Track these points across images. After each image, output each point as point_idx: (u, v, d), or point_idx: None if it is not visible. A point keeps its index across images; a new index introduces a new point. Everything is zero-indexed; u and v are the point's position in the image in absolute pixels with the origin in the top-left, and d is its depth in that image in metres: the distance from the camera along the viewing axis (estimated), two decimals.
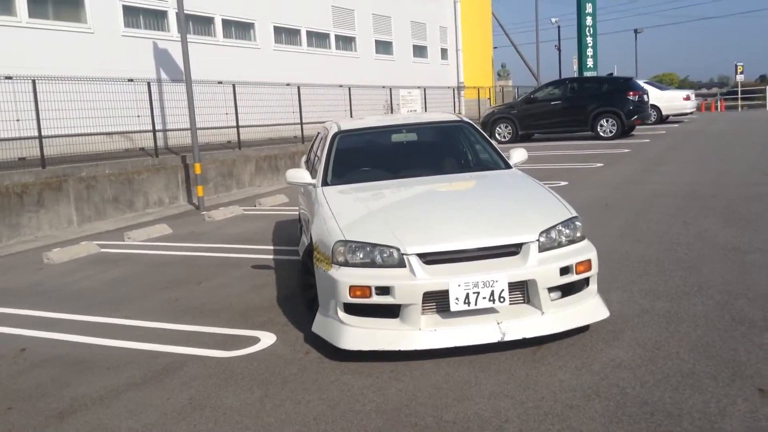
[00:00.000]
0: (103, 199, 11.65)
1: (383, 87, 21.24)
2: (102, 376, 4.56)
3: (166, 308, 6.01)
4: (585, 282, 4.64)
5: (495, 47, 37.56)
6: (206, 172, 13.53)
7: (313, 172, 6.19)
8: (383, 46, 25.06)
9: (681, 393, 3.68)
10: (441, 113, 7.21)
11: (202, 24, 16.88)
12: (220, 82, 14.90)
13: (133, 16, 14.89)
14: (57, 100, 11.12)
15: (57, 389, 4.39)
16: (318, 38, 21.26)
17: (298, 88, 16.82)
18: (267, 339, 5.01)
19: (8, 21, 12.34)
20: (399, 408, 3.74)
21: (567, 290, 4.60)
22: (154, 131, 12.96)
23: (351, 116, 19.19)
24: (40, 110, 10.88)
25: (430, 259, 4.36)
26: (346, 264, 4.45)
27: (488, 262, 4.38)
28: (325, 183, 5.81)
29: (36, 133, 10.85)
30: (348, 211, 5.01)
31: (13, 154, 10.91)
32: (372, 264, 4.40)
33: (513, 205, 5.04)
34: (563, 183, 11.45)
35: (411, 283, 4.25)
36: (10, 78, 10.66)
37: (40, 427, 3.84)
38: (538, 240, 4.44)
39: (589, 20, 32.04)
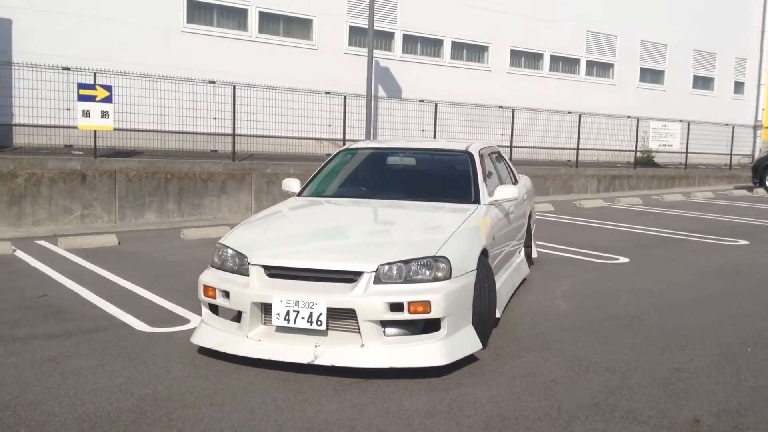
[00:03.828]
0: (282, 193, 13.13)
1: (628, 117, 20.09)
2: (54, 323, 5.57)
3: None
4: (437, 324, 4.47)
5: None
6: None
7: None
8: (651, 75, 23.56)
9: None
10: (454, 142, 7.07)
11: (431, 46, 17.76)
12: (421, 101, 15.64)
13: (359, 35, 16.32)
14: (251, 105, 12.86)
15: (12, 327, 5.49)
16: (565, 63, 20.86)
17: (513, 112, 16.85)
18: (195, 322, 5.59)
19: (241, 35, 14.51)
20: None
21: (420, 329, 4.49)
22: (344, 140, 14.17)
23: (578, 144, 18.63)
24: (237, 112, 12.68)
25: (274, 272, 4.61)
26: (213, 264, 4.89)
27: (323, 284, 4.49)
28: (300, 194, 6.24)
29: (230, 131, 12.68)
30: (262, 218, 5.42)
31: (207, 147, 12.89)
32: (224, 268, 4.78)
33: (400, 236, 5.00)
34: None
35: (242, 291, 4.56)
36: (213, 82, 12.65)
37: None
38: (375, 271, 4.41)
39: None
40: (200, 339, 4.81)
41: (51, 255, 8.57)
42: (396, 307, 4.33)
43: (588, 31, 21.19)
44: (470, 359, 4.81)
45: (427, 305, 4.36)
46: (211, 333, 4.78)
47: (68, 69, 11.71)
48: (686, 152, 21.41)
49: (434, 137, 15.54)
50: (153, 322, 5.74)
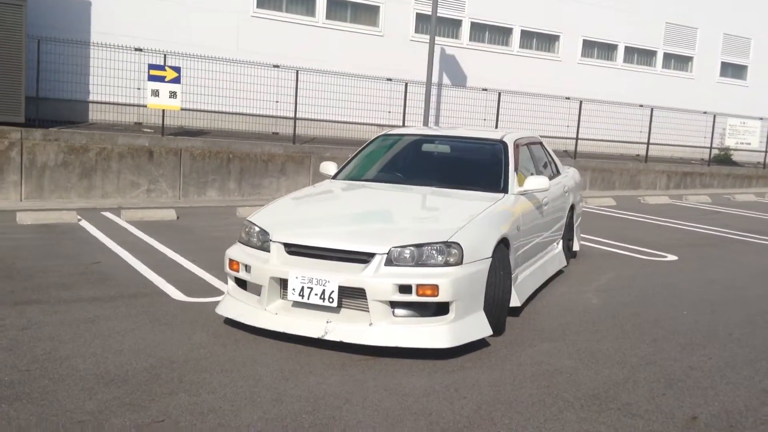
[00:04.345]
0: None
1: (704, 113, 19.42)
2: (99, 288, 5.96)
3: None
4: (446, 308, 4.58)
5: None
6: None
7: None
8: (733, 70, 22.63)
9: None
10: (491, 131, 7.09)
11: (499, 34, 17.62)
12: (484, 89, 15.59)
13: (425, 22, 16.35)
14: (314, 89, 13.14)
15: (61, 290, 5.91)
16: (640, 55, 20.30)
17: (580, 104, 16.58)
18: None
19: (308, 21, 14.80)
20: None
21: (432, 312, 4.61)
22: (403, 126, 14.30)
23: (648, 139, 18.17)
24: (299, 96, 12.99)
25: (293, 250, 4.81)
26: (241, 240, 5.15)
27: (338, 264, 4.66)
28: (335, 176, 6.44)
29: (292, 114, 13.00)
30: (291, 198, 5.66)
31: (269, 129, 13.25)
32: (249, 244, 5.02)
33: (418, 221, 5.13)
34: None
35: (262, 266, 4.79)
36: (277, 66, 12.99)
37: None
38: (387, 253, 4.55)
39: None
40: (223, 309, 5.08)
41: (112, 226, 9.07)
42: (405, 289, 4.47)
43: (667, 22, 20.52)
44: (482, 344, 4.91)
45: (435, 289, 4.47)
46: (233, 304, 5.03)
47: (140, 50, 12.25)
48: (766, 151, 20.53)
49: (496, 127, 15.46)
50: (189, 292, 6.05)
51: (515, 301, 5.50)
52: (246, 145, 12.47)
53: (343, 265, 4.64)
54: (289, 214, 5.35)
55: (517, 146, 6.48)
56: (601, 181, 16.96)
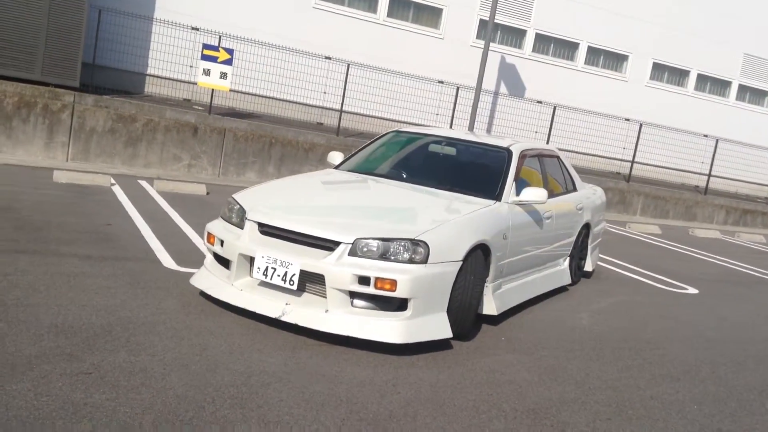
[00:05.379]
0: None
1: None
2: (98, 248, 6.19)
3: None
4: (406, 304, 4.58)
5: None
6: None
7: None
8: None
9: None
10: (501, 138, 6.98)
11: (564, 48, 17.33)
12: (539, 102, 15.36)
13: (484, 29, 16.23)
14: (363, 84, 13.24)
15: (61, 244, 6.17)
16: (713, 84, 19.61)
17: (640, 126, 16.15)
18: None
19: (369, 17, 14.91)
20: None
21: (395, 307, 4.61)
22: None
23: (710, 171, 17.57)
24: (347, 89, 13.12)
25: (265, 230, 4.90)
26: (222, 215, 5.27)
27: (304, 248, 4.72)
28: (338, 166, 6.50)
29: (338, 107, 13.14)
30: (282, 181, 5.74)
31: (314, 119, 13.40)
32: (228, 220, 5.13)
33: (394, 216, 5.13)
34: None
35: (234, 242, 4.90)
36: (329, 58, 13.14)
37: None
38: (352, 243, 4.58)
39: None
40: (196, 280, 5.20)
41: (141, 193, 9.38)
42: (363, 280, 4.48)
43: (745, 53, 19.75)
44: (445, 346, 4.88)
45: (393, 284, 4.47)
46: (206, 277, 5.15)
47: (197, 29, 12.60)
48: None
49: (547, 141, 15.22)
50: (183, 262, 6.21)
51: (491, 310, 5.43)
52: (290, 132, 12.66)
53: (309, 251, 4.69)
54: (273, 196, 5.43)
55: (523, 156, 6.39)
56: (654, 208, 16.47)
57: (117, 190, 9.32)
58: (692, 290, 8.47)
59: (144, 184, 10.15)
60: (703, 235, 14.61)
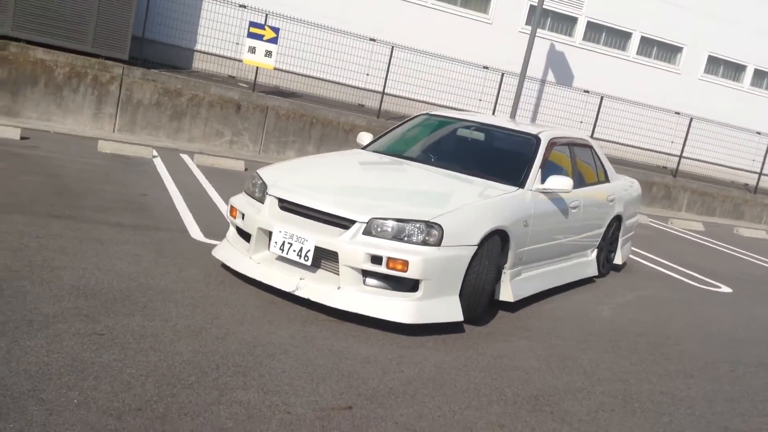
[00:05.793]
0: None
1: None
2: (131, 216, 6.38)
3: None
4: (417, 285, 4.63)
5: None
6: None
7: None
8: None
9: None
10: (532, 125, 6.91)
11: (616, 37, 16.98)
12: (586, 91, 15.12)
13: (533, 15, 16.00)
14: (406, 67, 13.24)
15: (95, 211, 6.38)
16: None
17: (690, 120, 15.76)
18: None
19: (417, 1, 14.86)
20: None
21: (408, 288, 4.65)
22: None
23: (761, 169, 17.09)
24: (390, 72, 13.13)
25: (285, 205, 4.99)
26: (246, 190, 5.38)
27: (322, 226, 4.80)
28: (366, 147, 6.56)
29: (380, 89, 13.18)
30: (308, 159, 5.84)
31: (356, 101, 13.45)
32: (251, 195, 5.24)
33: (412, 199, 5.17)
34: None
35: (254, 216, 5.01)
36: (373, 40, 13.15)
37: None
38: (367, 223, 4.64)
39: None
40: (217, 252, 5.34)
41: (180, 166, 9.60)
42: (376, 259, 4.54)
43: None
44: (456, 329, 4.92)
45: (405, 264, 4.51)
46: (227, 249, 5.28)
47: (244, 7, 12.74)
48: None
49: (592, 133, 14.97)
50: (210, 234, 6.36)
51: (507, 296, 5.43)
52: (331, 113, 12.74)
53: (325, 228, 4.76)
54: (296, 172, 5.51)
55: (552, 144, 6.34)
56: (700, 204, 16.10)
57: (158, 162, 9.54)
58: (726, 289, 8.30)
59: (185, 157, 10.37)
60: (748, 235, 14.25)
